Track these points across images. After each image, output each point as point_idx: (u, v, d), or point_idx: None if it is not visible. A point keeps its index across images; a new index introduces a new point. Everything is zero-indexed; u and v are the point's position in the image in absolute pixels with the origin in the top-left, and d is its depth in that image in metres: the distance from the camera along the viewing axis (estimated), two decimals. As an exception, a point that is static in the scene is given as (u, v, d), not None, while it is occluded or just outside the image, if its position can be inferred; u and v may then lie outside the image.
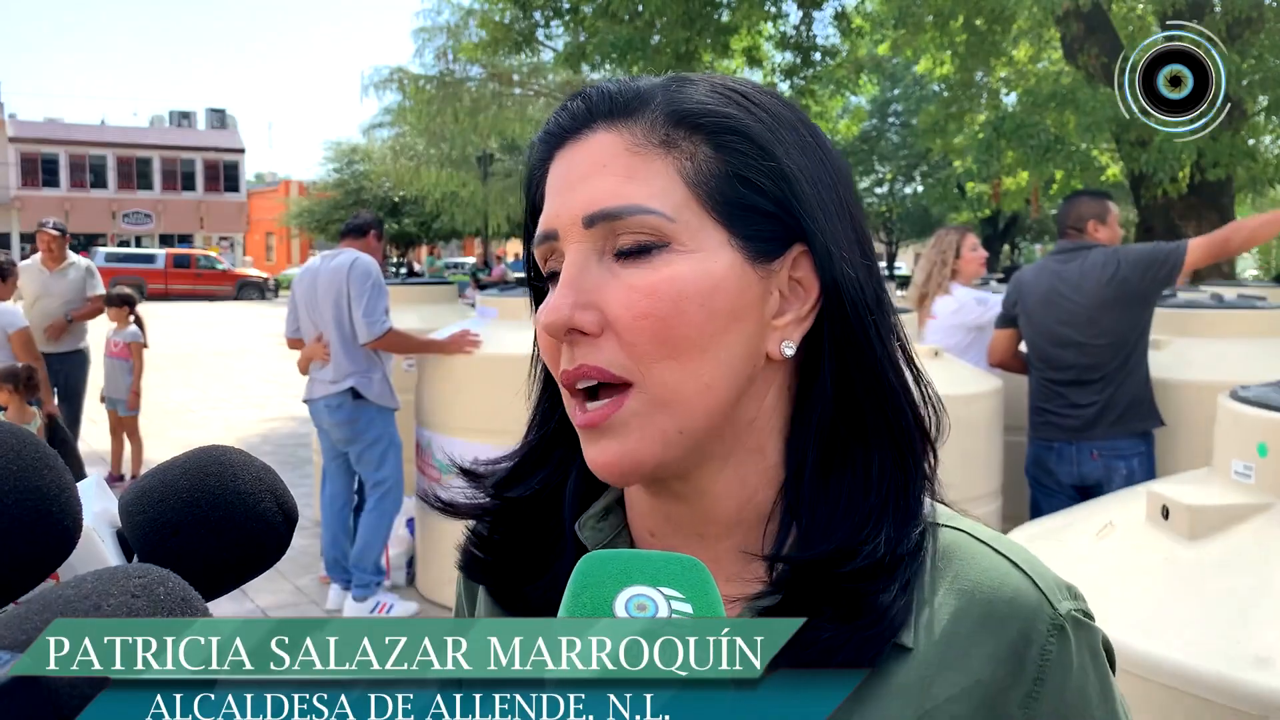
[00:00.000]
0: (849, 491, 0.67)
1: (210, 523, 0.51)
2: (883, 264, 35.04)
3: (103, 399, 7.19)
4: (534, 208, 0.72)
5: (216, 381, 11.49)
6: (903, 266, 35.99)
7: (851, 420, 0.68)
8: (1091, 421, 3.64)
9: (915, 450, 0.70)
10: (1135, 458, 3.61)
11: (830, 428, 0.68)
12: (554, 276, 0.68)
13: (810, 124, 0.72)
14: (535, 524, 0.76)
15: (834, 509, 0.67)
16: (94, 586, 0.41)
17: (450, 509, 0.78)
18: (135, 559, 0.52)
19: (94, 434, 7.85)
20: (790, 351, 0.68)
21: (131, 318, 7.05)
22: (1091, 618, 0.69)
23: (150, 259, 33.70)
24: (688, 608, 0.49)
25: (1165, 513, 2.12)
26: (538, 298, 0.73)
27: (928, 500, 0.71)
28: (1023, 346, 3.97)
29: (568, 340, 0.66)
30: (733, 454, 0.69)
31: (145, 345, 7.13)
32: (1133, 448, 3.63)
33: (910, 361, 0.73)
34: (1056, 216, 4.00)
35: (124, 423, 7.15)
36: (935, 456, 0.74)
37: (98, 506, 0.52)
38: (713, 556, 0.67)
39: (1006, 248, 29.72)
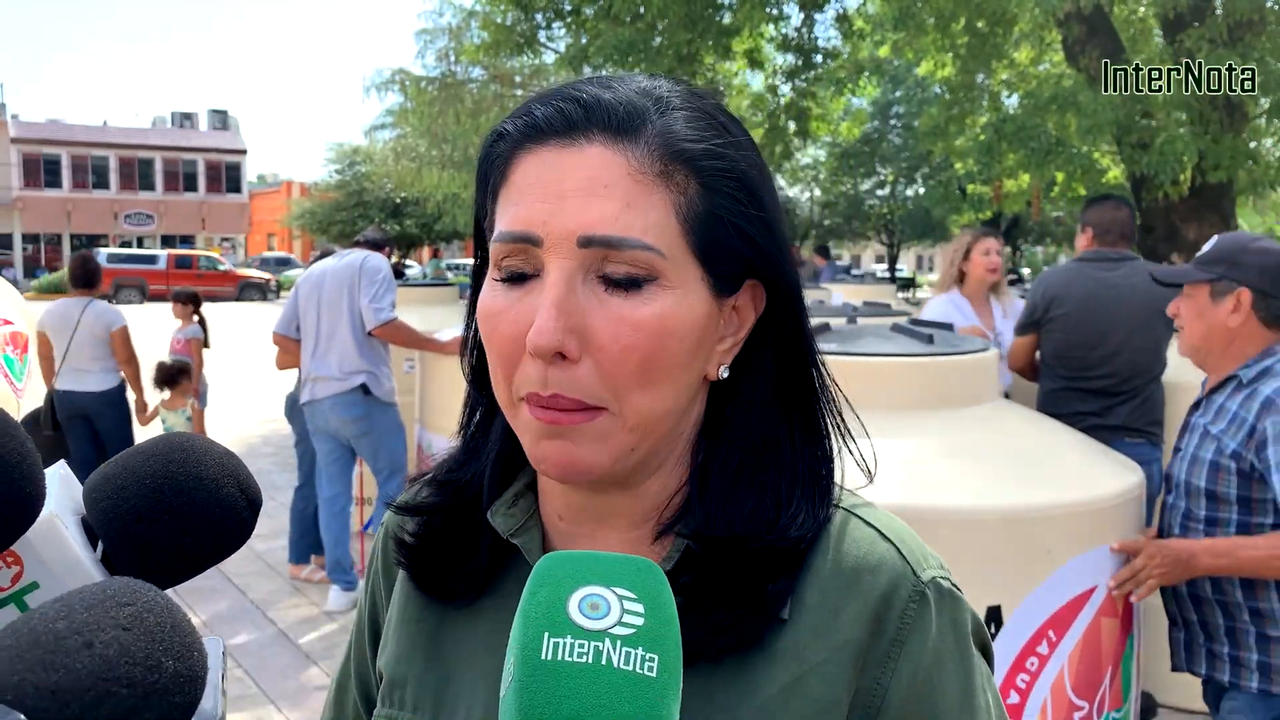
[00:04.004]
0: (758, 492, 0.71)
1: (174, 508, 0.51)
2: (884, 266, 35.09)
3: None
4: (494, 193, 0.70)
5: (217, 382, 11.48)
6: (904, 268, 35.95)
7: (773, 427, 0.72)
8: (1117, 429, 3.64)
9: (829, 453, 0.75)
10: (1153, 463, 3.61)
11: (750, 437, 0.72)
12: (515, 278, 0.67)
13: (754, 144, 0.73)
14: (460, 515, 0.78)
15: (742, 508, 0.70)
16: (84, 618, 0.39)
17: (393, 506, 0.82)
18: (100, 546, 0.52)
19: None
20: (726, 374, 0.72)
21: (195, 316, 7.03)
22: (959, 590, 0.72)
23: (152, 260, 33.72)
24: (639, 608, 0.50)
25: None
26: (477, 287, 0.72)
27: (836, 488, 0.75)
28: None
29: (549, 361, 0.65)
30: (665, 462, 0.72)
31: (207, 344, 7.05)
32: (1150, 454, 3.65)
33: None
34: (1096, 221, 3.87)
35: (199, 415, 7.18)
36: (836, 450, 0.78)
37: (62, 494, 0.52)
38: (612, 542, 0.72)
39: (1008, 250, 29.69)
